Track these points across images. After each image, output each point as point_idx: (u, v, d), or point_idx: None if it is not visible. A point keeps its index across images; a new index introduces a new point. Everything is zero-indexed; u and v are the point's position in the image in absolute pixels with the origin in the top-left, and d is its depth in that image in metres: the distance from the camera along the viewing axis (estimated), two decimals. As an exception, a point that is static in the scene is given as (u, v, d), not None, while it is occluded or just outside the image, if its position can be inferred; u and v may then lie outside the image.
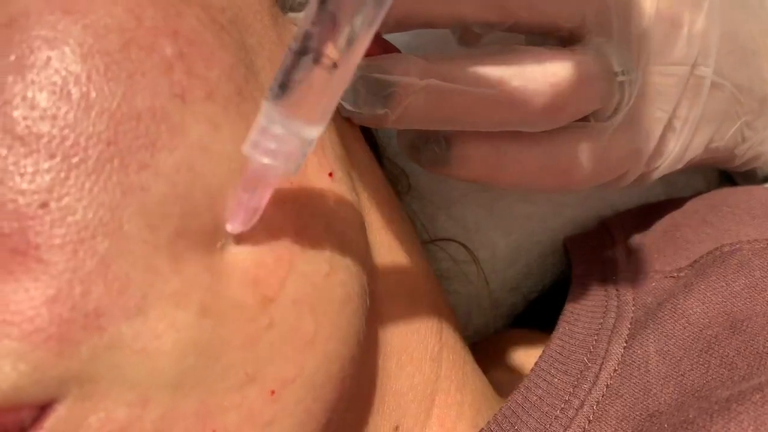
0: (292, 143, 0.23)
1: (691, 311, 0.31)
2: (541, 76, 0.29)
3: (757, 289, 0.30)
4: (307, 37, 0.21)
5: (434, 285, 0.35)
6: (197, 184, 0.23)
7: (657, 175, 0.34)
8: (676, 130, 0.33)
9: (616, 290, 0.35)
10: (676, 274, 0.33)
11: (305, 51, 0.21)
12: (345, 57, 0.21)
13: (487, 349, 0.40)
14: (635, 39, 0.31)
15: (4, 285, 0.21)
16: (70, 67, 0.22)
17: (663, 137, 0.33)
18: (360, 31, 0.21)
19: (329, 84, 0.22)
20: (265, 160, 0.23)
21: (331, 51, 0.21)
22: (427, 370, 0.32)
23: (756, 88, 0.35)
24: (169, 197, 0.23)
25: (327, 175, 0.27)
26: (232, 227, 0.24)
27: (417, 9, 0.30)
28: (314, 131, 0.23)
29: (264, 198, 0.24)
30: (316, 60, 0.21)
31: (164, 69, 0.23)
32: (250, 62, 0.26)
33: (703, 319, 0.30)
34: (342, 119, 0.31)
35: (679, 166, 0.34)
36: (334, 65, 0.21)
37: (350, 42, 0.21)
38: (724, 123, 0.34)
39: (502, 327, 0.44)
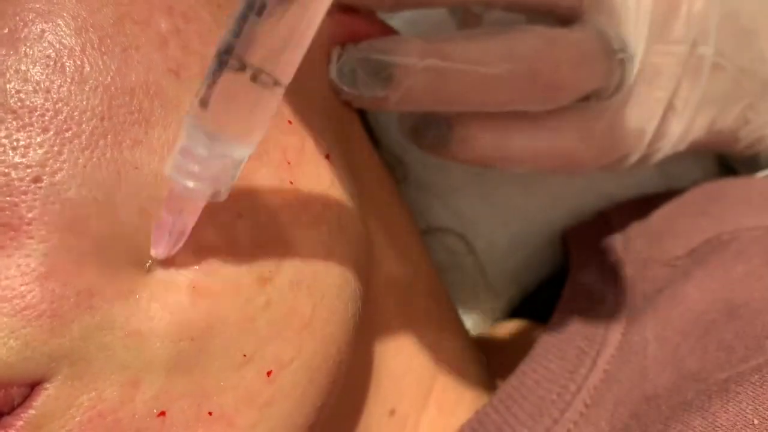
0: (218, 165, 0.21)
1: (689, 298, 0.30)
2: (541, 54, 0.29)
3: (755, 276, 0.30)
4: (229, 44, 0.19)
5: (432, 272, 0.35)
6: None
7: (659, 156, 0.34)
8: (678, 111, 0.33)
9: (614, 279, 0.34)
10: (674, 263, 0.33)
11: (227, 60, 0.19)
12: (274, 65, 0.19)
13: (486, 340, 0.40)
14: (633, 17, 0.31)
15: None
16: (64, 40, 0.22)
17: (665, 118, 0.33)
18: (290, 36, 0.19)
19: (256, 95, 0.20)
20: (189, 184, 0.21)
21: (255, 59, 0.19)
22: (424, 355, 0.31)
23: (759, 70, 0.35)
24: (160, 176, 0.22)
25: (324, 157, 0.27)
26: (155, 252, 0.22)
27: None
28: (245, 150, 0.21)
29: (190, 222, 0.22)
30: (241, 69, 0.19)
31: (159, 44, 0.23)
32: None
33: (701, 305, 0.30)
34: (340, 103, 0.30)
35: (682, 147, 0.34)
36: (257, 74, 0.19)
37: (282, 49, 0.19)
38: (726, 105, 0.34)
39: (500, 318, 0.44)
